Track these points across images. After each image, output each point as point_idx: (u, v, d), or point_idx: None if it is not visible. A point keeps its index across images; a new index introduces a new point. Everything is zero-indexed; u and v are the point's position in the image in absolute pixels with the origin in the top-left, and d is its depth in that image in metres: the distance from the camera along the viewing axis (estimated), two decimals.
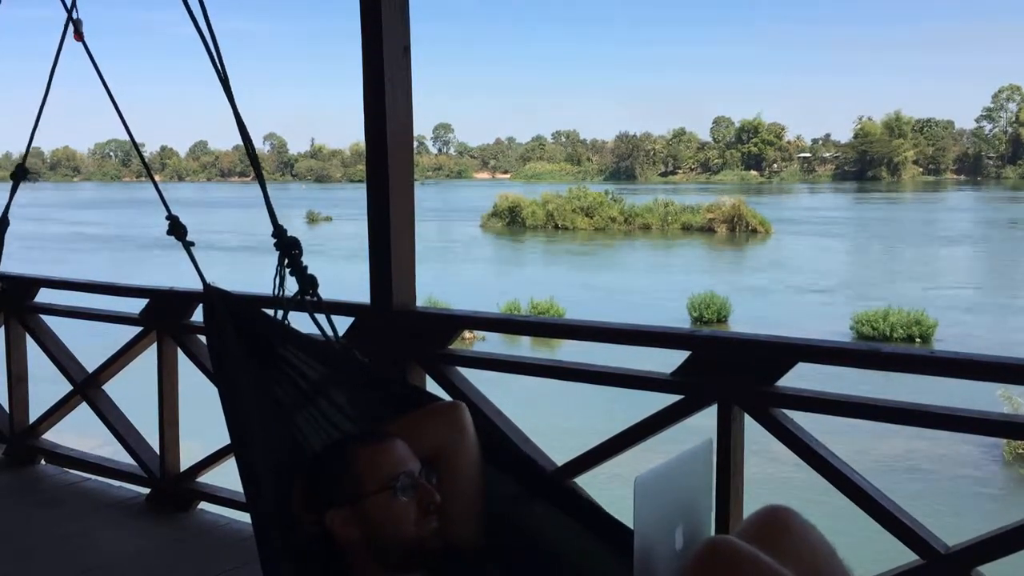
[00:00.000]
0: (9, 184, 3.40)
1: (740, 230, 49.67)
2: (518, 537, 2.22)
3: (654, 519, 1.69)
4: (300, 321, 2.47)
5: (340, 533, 1.96)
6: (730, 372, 2.87)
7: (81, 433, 5.62)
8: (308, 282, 2.48)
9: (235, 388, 2.21)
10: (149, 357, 4.34)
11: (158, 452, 4.30)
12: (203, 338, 4.00)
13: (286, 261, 2.46)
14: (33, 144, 3.40)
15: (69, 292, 4.97)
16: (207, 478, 4.23)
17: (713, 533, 1.95)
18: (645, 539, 1.67)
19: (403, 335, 3.46)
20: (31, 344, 4.90)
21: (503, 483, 2.24)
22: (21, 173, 3.40)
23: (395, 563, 1.96)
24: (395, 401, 2.33)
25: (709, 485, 1.87)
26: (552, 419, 13.62)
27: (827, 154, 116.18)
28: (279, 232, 2.47)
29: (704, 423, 2.83)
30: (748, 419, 2.87)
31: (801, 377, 2.83)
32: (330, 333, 2.49)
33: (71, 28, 3.05)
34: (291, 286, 2.49)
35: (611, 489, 3.27)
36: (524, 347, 19.40)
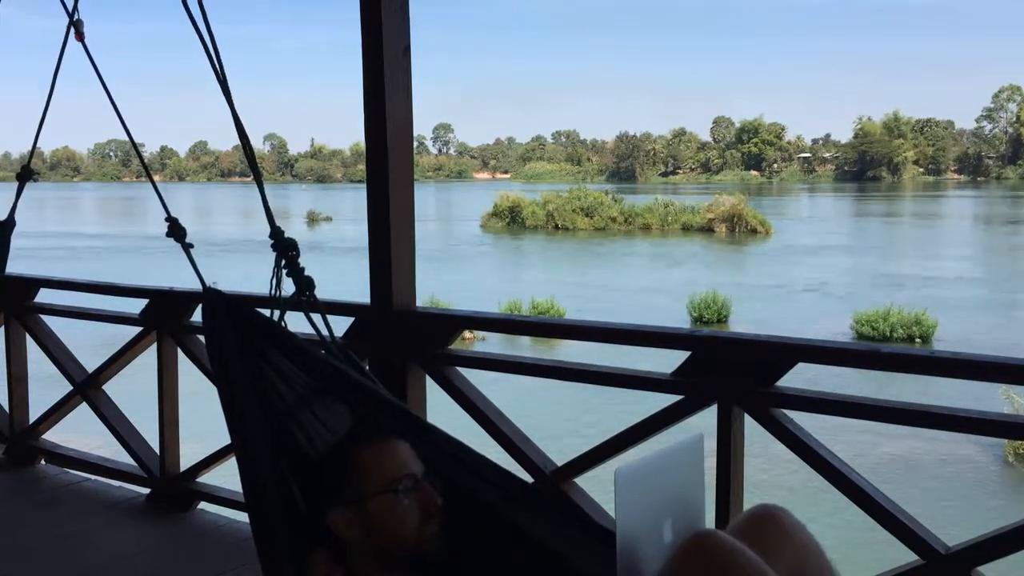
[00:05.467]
0: (8, 184, 3.40)
1: (740, 230, 49.65)
2: (505, 542, 2.22)
3: (637, 510, 1.70)
4: (298, 322, 2.47)
5: (341, 534, 1.96)
6: (730, 372, 2.87)
7: (81, 433, 5.62)
8: (305, 283, 2.47)
9: (234, 389, 2.21)
10: (149, 357, 4.33)
11: (158, 452, 4.30)
12: (203, 338, 3.99)
13: (283, 262, 2.46)
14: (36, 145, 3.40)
15: (69, 292, 4.97)
16: (207, 478, 4.23)
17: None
18: (627, 529, 1.68)
19: (403, 335, 3.45)
20: (31, 344, 4.89)
21: (485, 491, 2.25)
22: (27, 174, 3.40)
23: (396, 563, 1.96)
24: (384, 410, 2.34)
25: (701, 480, 1.88)
26: (552, 418, 13.64)
27: (827, 154, 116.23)
28: (276, 233, 2.46)
29: (704, 423, 2.83)
30: (748, 419, 2.86)
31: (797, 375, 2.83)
32: (326, 334, 2.48)
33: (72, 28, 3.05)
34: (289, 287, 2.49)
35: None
36: (524, 347, 19.39)
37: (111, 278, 5.05)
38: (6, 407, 4.97)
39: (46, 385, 5.31)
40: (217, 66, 2.51)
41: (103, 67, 3.03)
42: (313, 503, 2.03)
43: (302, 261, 2.49)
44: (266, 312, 2.43)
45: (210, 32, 2.49)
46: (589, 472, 3.18)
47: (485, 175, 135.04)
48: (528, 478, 3.16)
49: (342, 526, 1.96)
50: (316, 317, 2.46)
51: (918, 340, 22.97)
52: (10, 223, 3.39)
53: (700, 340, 3.06)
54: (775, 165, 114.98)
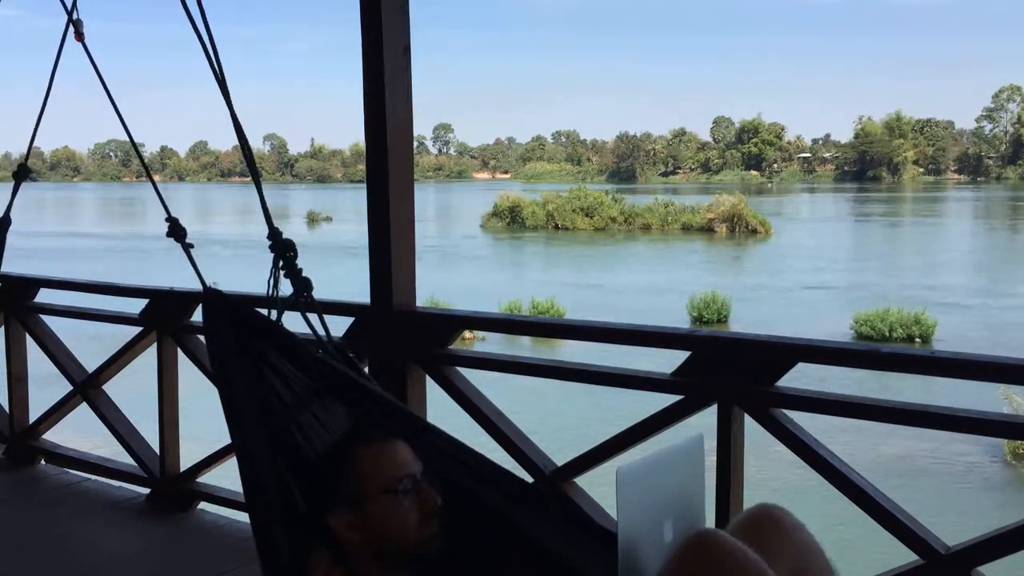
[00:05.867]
0: (7, 184, 3.40)
1: (740, 230, 49.66)
2: (505, 542, 2.23)
3: (639, 510, 1.71)
4: (296, 322, 2.47)
5: (342, 535, 1.96)
6: (730, 372, 2.87)
7: (81, 433, 5.62)
8: (303, 284, 2.47)
9: (234, 389, 2.22)
10: (149, 357, 4.33)
11: (158, 452, 4.30)
12: (203, 338, 4.00)
13: (281, 263, 2.45)
14: (34, 144, 3.40)
15: (69, 292, 4.97)
16: (207, 478, 4.23)
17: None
18: (629, 528, 1.69)
19: (403, 335, 3.45)
20: (31, 344, 4.89)
21: (485, 491, 2.25)
22: (23, 172, 3.40)
23: (396, 563, 1.97)
24: (383, 410, 2.34)
25: (702, 480, 1.88)
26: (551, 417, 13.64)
27: (827, 154, 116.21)
28: (274, 234, 2.46)
29: (704, 423, 2.83)
30: (748, 419, 2.86)
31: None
32: (323, 334, 2.48)
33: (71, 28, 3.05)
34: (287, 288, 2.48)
35: None
36: (524, 347, 19.39)
37: (110, 279, 5.05)
38: (6, 407, 4.97)
39: (46, 385, 5.31)
40: (216, 66, 2.51)
41: (103, 67, 3.03)
42: (313, 504, 2.04)
43: (301, 261, 2.49)
44: (265, 313, 2.43)
45: (209, 32, 2.48)
46: (589, 472, 3.18)
47: (485, 175, 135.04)
48: (528, 478, 3.16)
49: (342, 528, 1.96)
50: (313, 318, 2.46)
51: (918, 340, 22.96)
52: (6, 221, 3.39)
53: (700, 340, 3.06)
54: (775, 165, 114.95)
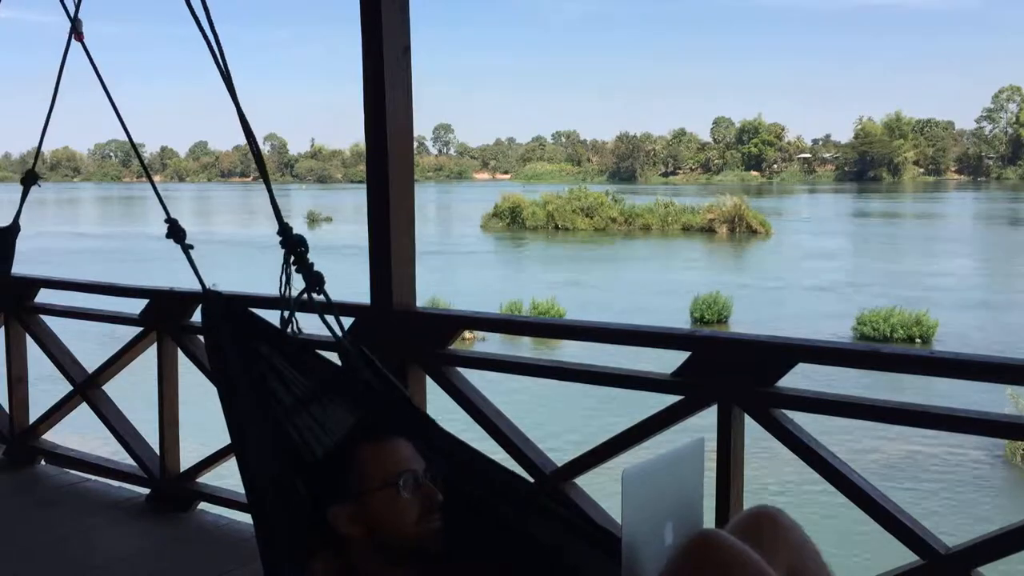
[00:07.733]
0: (8, 184, 3.41)
1: (740, 230, 49.65)
2: (505, 541, 2.23)
3: (642, 512, 1.72)
4: (307, 320, 2.47)
5: (343, 530, 1.97)
6: (730, 372, 2.86)
7: (81, 433, 5.62)
8: (315, 280, 2.46)
9: (234, 390, 2.22)
10: (149, 357, 4.33)
11: (158, 452, 4.30)
12: (203, 338, 3.99)
13: (292, 259, 2.44)
14: (34, 145, 3.41)
15: (69, 292, 4.96)
16: (207, 478, 4.23)
17: None
18: (633, 530, 1.69)
19: (403, 335, 3.45)
20: (31, 344, 4.89)
21: (486, 490, 2.26)
22: (31, 179, 3.41)
23: (397, 559, 1.97)
24: (387, 410, 2.34)
25: (701, 483, 1.89)
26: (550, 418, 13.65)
27: (827, 154, 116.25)
28: (284, 230, 2.45)
29: (704, 423, 2.83)
30: (748, 419, 2.86)
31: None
32: (338, 331, 2.47)
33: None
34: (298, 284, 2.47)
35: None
36: (524, 347, 19.39)
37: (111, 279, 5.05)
38: (6, 407, 4.97)
39: (46, 385, 5.31)
40: (221, 65, 2.51)
41: (102, 67, 3.03)
42: (314, 502, 2.04)
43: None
44: (263, 313, 2.43)
45: (214, 32, 2.48)
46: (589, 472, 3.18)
47: (485, 175, 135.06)
48: (528, 478, 3.16)
49: (344, 523, 1.97)
50: (328, 315, 2.45)
51: (918, 340, 22.96)
52: (15, 227, 3.42)
53: (700, 340, 3.06)
54: (775, 165, 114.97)
